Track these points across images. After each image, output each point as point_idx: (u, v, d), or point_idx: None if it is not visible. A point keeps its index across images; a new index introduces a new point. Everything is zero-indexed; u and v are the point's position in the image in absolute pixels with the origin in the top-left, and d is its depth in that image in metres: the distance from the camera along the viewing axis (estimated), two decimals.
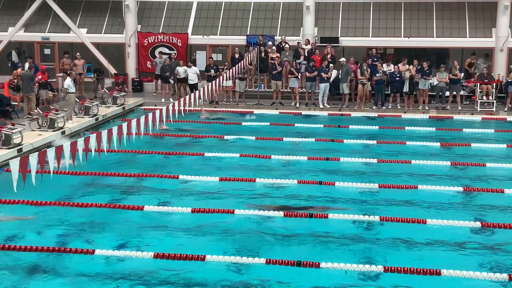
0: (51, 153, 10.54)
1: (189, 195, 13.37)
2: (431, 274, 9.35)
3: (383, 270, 9.46)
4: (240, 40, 26.48)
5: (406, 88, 23.08)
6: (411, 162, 15.85)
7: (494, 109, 22.70)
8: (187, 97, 17.47)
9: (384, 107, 23.19)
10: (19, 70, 22.39)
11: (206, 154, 16.56)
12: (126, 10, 27.00)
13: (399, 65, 23.33)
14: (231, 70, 21.71)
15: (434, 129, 20.39)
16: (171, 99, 22.88)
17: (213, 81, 19.80)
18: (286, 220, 11.73)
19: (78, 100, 20.60)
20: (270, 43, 25.24)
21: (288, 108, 23.34)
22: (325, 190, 13.56)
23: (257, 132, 19.27)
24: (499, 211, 12.45)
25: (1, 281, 9.18)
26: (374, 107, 23.24)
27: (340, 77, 23.25)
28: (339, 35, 26.10)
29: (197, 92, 18.28)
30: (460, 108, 22.96)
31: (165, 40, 26.98)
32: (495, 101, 22.88)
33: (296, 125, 20.79)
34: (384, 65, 23.58)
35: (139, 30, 27.30)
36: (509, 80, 22.85)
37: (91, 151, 11.71)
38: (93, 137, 11.90)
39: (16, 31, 27.69)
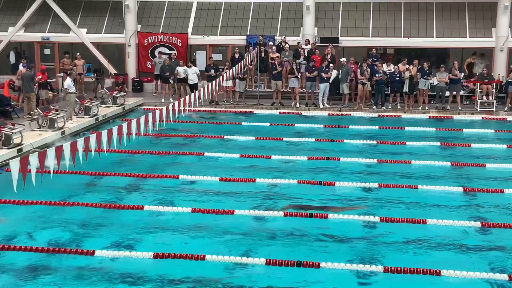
0: (51, 153, 10.54)
1: (189, 195, 13.37)
2: (431, 274, 9.35)
3: (383, 270, 9.46)
4: (240, 40, 26.49)
5: (406, 88, 23.09)
6: (411, 162, 15.85)
7: (494, 109, 22.70)
8: (187, 97, 17.48)
9: (384, 107, 23.19)
10: (23, 69, 22.37)
11: (206, 154, 16.56)
12: (126, 10, 27.00)
13: (399, 65, 23.34)
14: (231, 70, 21.71)
15: (434, 129, 20.39)
16: (171, 99, 22.87)
17: (213, 81, 19.81)
18: (286, 220, 11.73)
19: (78, 100, 20.60)
20: (271, 43, 25.24)
21: (288, 108, 23.34)
22: (325, 190, 13.56)
23: (257, 132, 19.27)
24: (499, 211, 12.45)
25: (0, 282, 9.17)
26: (374, 107, 23.24)
27: (340, 77, 23.25)
28: (339, 35, 26.10)
29: (197, 92, 18.28)
30: (460, 108, 22.96)
31: (165, 40, 26.98)
32: (495, 101, 22.88)
33: (296, 125, 20.79)
34: (384, 65, 23.58)
35: (139, 30, 27.30)
36: (509, 80, 22.84)
37: (91, 151, 11.71)
38: (93, 137, 11.90)
39: (16, 31, 27.69)
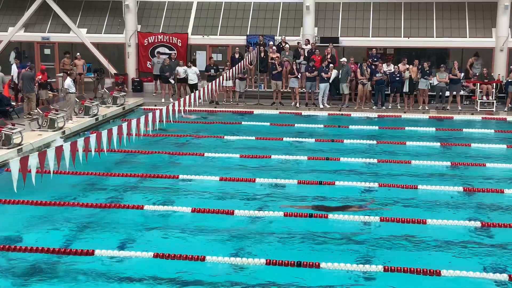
0: (51, 153, 10.54)
1: (189, 195, 13.37)
2: (431, 274, 9.35)
3: (383, 270, 9.46)
4: (240, 40, 26.49)
5: (406, 88, 23.09)
6: (411, 162, 15.85)
7: (494, 109, 22.70)
8: (187, 97, 17.48)
9: (384, 107, 23.20)
10: (18, 70, 22.36)
11: (206, 154, 16.56)
12: (126, 10, 27.01)
13: (399, 65, 23.34)
14: (231, 70, 21.71)
15: (434, 129, 20.40)
16: (171, 99, 22.88)
17: (213, 81, 19.81)
18: (286, 220, 11.72)
19: (78, 100, 20.60)
20: (271, 43, 25.25)
21: (288, 108, 23.34)
22: (325, 190, 13.56)
23: (257, 132, 19.27)
24: (499, 211, 12.45)
25: (0, 282, 9.17)
26: (374, 107, 23.24)
27: (340, 77, 23.25)
28: (339, 35, 26.10)
29: (197, 92, 18.28)
30: (460, 108, 22.96)
31: (165, 40, 26.98)
32: (495, 101, 22.88)
33: (296, 125, 20.79)
34: (384, 65, 23.59)
35: (139, 30, 27.30)
36: (509, 80, 22.84)
37: (91, 151, 11.71)
38: (93, 137, 11.90)
39: (16, 31, 27.70)
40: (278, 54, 24.41)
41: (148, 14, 27.93)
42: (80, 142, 11.43)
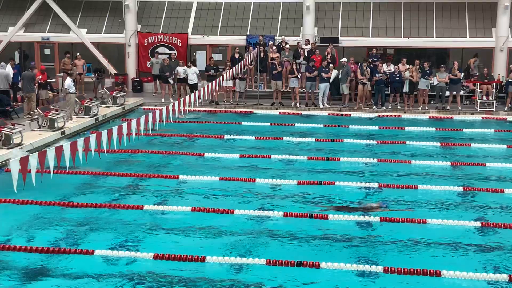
0: (51, 153, 10.55)
1: (189, 195, 13.37)
2: (431, 275, 9.34)
3: (383, 271, 9.45)
4: (240, 40, 26.50)
5: (406, 88, 23.10)
6: (411, 162, 15.85)
7: (494, 109, 22.71)
8: (187, 97, 17.49)
9: (384, 107, 23.20)
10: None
11: (206, 154, 16.56)
12: (126, 10, 27.01)
13: (399, 65, 23.35)
14: (231, 70, 21.72)
15: (434, 129, 20.40)
16: (171, 99, 22.89)
17: (213, 81, 19.81)
18: (286, 220, 11.72)
19: (78, 100, 20.61)
20: (271, 42, 25.25)
21: (288, 108, 23.34)
22: (325, 190, 13.56)
23: (257, 132, 19.27)
24: (499, 211, 12.44)
25: (0, 282, 9.17)
26: (374, 107, 23.25)
27: (340, 77, 23.25)
28: (339, 35, 26.11)
29: (197, 92, 18.29)
30: (460, 108, 22.97)
31: (165, 40, 26.99)
32: (495, 101, 22.89)
33: (296, 125, 20.79)
34: (384, 65, 23.59)
35: (139, 30, 27.31)
36: (509, 80, 22.85)
37: (91, 151, 11.72)
38: (93, 137, 11.90)
39: (16, 31, 27.70)
40: (278, 54, 24.42)
41: (148, 14, 27.93)
42: (80, 142, 11.44)
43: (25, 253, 10.02)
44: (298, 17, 26.79)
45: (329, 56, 23.81)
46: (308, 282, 9.21)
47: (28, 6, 27.98)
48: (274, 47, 24.67)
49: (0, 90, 20.37)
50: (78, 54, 25.54)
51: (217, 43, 27.08)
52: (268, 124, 20.87)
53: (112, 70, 27.08)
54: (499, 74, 24.24)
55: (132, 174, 14.64)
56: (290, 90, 24.00)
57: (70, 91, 19.68)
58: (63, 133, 18.06)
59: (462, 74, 23.91)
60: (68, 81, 19.85)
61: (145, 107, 23.50)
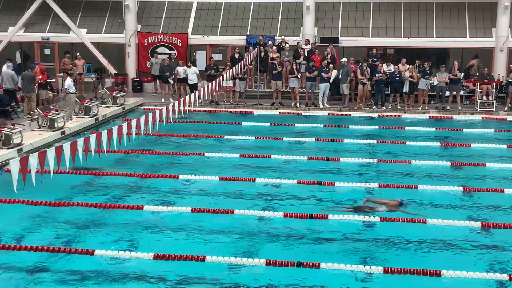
0: (51, 153, 10.55)
1: (189, 195, 13.37)
2: (431, 275, 9.34)
3: (383, 271, 9.45)
4: (240, 40, 26.50)
5: (406, 88, 23.10)
6: (411, 162, 15.85)
7: (494, 109, 22.71)
8: (187, 97, 17.49)
9: (384, 107, 23.20)
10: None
11: (206, 154, 16.56)
12: (126, 10, 27.01)
13: (399, 65, 23.35)
14: (231, 70, 21.72)
15: (434, 129, 20.39)
16: (171, 99, 22.89)
17: (213, 81, 19.81)
18: (286, 220, 11.72)
19: (78, 100, 20.61)
20: (270, 42, 25.25)
21: (288, 108, 23.34)
22: (325, 190, 13.56)
23: (257, 132, 19.27)
24: (499, 211, 12.44)
25: (1, 282, 9.17)
26: (374, 107, 23.25)
27: (340, 77, 23.25)
28: (339, 35, 26.11)
29: (197, 92, 18.29)
30: (460, 108, 22.97)
31: (165, 40, 26.99)
32: (495, 101, 22.88)
33: (296, 125, 20.79)
34: (384, 65, 23.59)
35: (139, 30, 27.31)
36: (509, 80, 22.85)
37: (91, 151, 11.72)
38: (93, 137, 11.90)
39: (16, 31, 27.70)
40: (278, 54, 24.42)
41: (148, 14, 27.93)
42: (80, 142, 11.44)
43: (25, 252, 10.01)
44: (298, 17, 26.79)
45: (329, 56, 23.81)
46: (308, 282, 9.21)
47: (28, 6, 27.98)
48: (274, 47, 24.68)
49: (7, 89, 20.48)
50: (78, 54, 25.54)
51: (217, 43, 27.08)
52: (268, 124, 20.87)
53: (112, 70, 27.08)
54: (499, 74, 24.23)
55: (132, 174, 14.64)
56: (290, 90, 24.00)
57: (70, 91, 19.68)
58: (63, 133, 18.07)
59: (462, 74, 23.90)
60: (68, 81, 19.85)
61: (145, 107, 23.50)
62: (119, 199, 12.97)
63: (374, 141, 18.31)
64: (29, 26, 27.99)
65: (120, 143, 12.84)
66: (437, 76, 23.07)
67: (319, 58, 23.89)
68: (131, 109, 23.20)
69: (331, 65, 23.20)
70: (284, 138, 18.65)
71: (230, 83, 23.54)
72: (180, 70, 23.98)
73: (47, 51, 28.11)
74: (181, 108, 16.37)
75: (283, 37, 25.55)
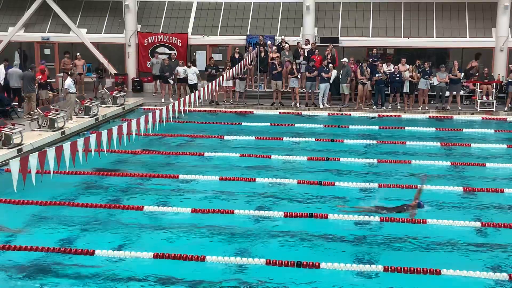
0: (51, 153, 10.54)
1: (189, 195, 13.37)
2: (431, 274, 9.35)
3: (383, 270, 9.46)
4: (240, 40, 26.49)
5: (406, 88, 23.10)
6: (411, 162, 15.85)
7: (494, 109, 22.70)
8: (187, 97, 17.49)
9: (384, 107, 23.20)
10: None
11: (206, 154, 16.56)
12: (126, 10, 27.01)
13: (399, 65, 23.34)
14: (231, 70, 21.72)
15: (434, 129, 20.39)
16: (171, 99, 22.89)
17: (213, 81, 19.81)
18: (286, 220, 11.72)
19: (78, 100, 20.60)
20: (269, 42, 25.24)
21: (288, 108, 23.34)
22: (325, 190, 13.56)
23: (257, 132, 19.26)
24: (499, 211, 12.45)
25: (0, 282, 9.17)
26: (374, 107, 23.25)
27: (340, 77, 23.25)
28: (339, 35, 26.10)
29: (197, 92, 18.29)
30: (460, 108, 22.96)
31: (165, 40, 26.98)
32: (495, 101, 22.88)
33: (296, 125, 20.79)
34: (384, 65, 23.59)
35: (139, 30, 27.30)
36: (509, 80, 22.84)
37: (91, 151, 11.71)
38: (93, 137, 11.90)
39: (16, 31, 27.69)
40: (278, 54, 24.42)
41: (148, 14, 27.92)
42: (80, 142, 11.43)
43: (25, 252, 10.01)
44: (298, 17, 26.78)
45: (329, 56, 23.81)
46: (308, 282, 9.21)
47: (28, 6, 27.96)
48: (274, 47, 24.67)
49: (14, 88, 20.58)
50: (78, 54, 25.53)
51: (217, 43, 27.07)
52: (268, 124, 20.86)
53: (112, 70, 27.08)
54: (499, 74, 24.23)
55: (132, 174, 14.65)
56: (290, 90, 23.99)
57: (70, 91, 19.68)
58: (63, 133, 18.06)
59: (462, 74, 23.89)
60: (68, 81, 19.85)
61: (145, 107, 23.50)
62: (119, 199, 12.97)
63: (374, 141, 18.30)
64: (29, 26, 27.99)
65: (120, 143, 12.84)
66: (437, 76, 23.06)
67: (319, 58, 23.88)
68: (131, 109, 23.19)
69: (331, 65, 23.20)
70: (284, 138, 18.65)
71: (230, 83, 23.54)
72: (180, 70, 23.98)
73: (47, 51, 28.10)
74: (181, 108, 16.36)
75: (283, 37, 25.55)
